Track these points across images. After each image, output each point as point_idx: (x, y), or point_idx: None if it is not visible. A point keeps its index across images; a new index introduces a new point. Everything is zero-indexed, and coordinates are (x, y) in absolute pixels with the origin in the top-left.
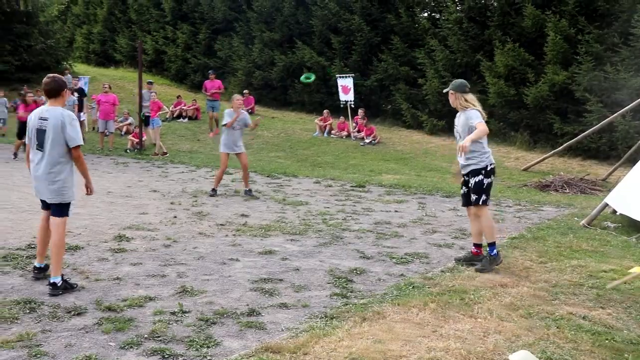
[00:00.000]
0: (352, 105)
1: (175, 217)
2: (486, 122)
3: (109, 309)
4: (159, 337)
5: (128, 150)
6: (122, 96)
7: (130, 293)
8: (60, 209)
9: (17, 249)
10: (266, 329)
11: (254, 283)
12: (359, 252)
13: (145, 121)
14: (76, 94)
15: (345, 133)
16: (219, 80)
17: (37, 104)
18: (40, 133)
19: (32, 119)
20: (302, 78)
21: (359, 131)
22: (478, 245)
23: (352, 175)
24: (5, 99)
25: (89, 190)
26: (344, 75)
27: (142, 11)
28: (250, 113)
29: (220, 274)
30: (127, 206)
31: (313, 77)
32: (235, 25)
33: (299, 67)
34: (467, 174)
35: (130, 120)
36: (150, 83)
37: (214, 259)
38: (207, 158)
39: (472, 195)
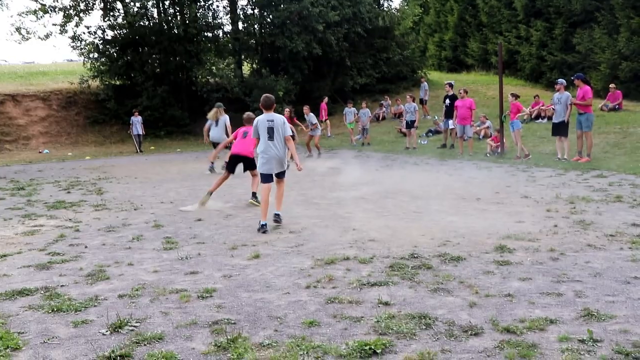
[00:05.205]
0: None
1: (555, 225)
2: None
3: (508, 330)
4: None
5: (488, 154)
6: (477, 100)
7: (526, 313)
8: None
9: (402, 258)
10: None
11: None
12: None
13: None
14: (448, 101)
15: None
16: (587, 87)
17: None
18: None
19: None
20: None
21: None
22: None
23: None
24: (367, 109)
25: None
26: None
27: (492, 13)
28: (618, 109)
29: (626, 296)
30: (501, 213)
31: None
32: (596, 15)
33: None
34: None
35: (488, 124)
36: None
37: (613, 276)
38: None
39: None
